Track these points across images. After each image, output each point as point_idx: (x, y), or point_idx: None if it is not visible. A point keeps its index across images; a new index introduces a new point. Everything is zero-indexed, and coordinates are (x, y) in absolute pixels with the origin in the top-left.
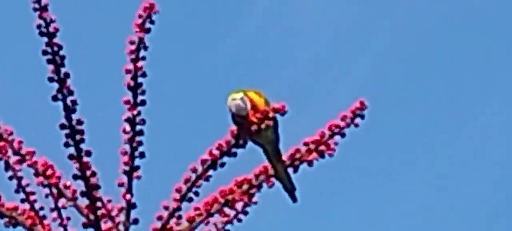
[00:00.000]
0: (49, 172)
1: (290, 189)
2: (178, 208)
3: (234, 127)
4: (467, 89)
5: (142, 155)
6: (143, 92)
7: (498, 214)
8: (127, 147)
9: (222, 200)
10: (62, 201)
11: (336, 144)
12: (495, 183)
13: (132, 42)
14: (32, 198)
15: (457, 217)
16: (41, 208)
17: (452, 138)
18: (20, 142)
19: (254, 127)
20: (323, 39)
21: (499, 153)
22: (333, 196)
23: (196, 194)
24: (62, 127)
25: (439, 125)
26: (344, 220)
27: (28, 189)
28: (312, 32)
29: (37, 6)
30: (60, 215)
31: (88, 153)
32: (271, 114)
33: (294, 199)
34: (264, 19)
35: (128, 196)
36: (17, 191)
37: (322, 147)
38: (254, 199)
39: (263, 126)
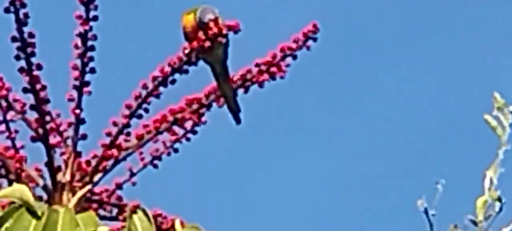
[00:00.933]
0: None
1: (235, 110)
2: (127, 125)
3: (186, 44)
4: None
5: (92, 70)
6: (95, 8)
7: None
8: (78, 62)
9: (171, 118)
10: (11, 114)
11: (287, 66)
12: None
13: None
14: None
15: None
16: None
17: None
18: None
19: (207, 43)
20: None
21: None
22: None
23: (146, 111)
24: (14, 39)
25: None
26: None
27: None
28: None
29: None
30: (8, 128)
31: (39, 67)
32: (224, 31)
33: (238, 121)
34: None
35: (77, 111)
36: None
37: (274, 69)
38: (203, 119)
39: (215, 42)
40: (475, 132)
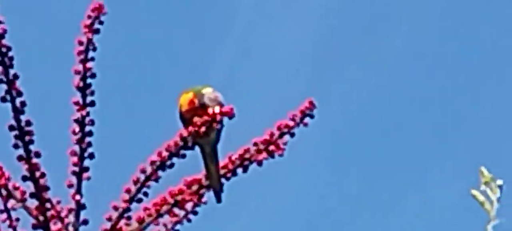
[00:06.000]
0: None
1: (217, 190)
2: (128, 209)
3: (183, 129)
4: None
5: (91, 155)
6: (92, 93)
7: None
8: (76, 148)
9: (171, 201)
10: (11, 202)
11: (285, 143)
12: None
13: (81, 43)
14: None
15: None
16: None
17: None
18: None
19: (202, 130)
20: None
21: None
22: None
23: (146, 194)
24: (11, 128)
25: None
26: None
27: None
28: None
29: None
30: (9, 216)
31: (37, 154)
32: (218, 118)
33: (219, 200)
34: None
35: (77, 197)
36: None
37: (272, 147)
38: (203, 199)
39: (210, 129)
40: (462, 207)
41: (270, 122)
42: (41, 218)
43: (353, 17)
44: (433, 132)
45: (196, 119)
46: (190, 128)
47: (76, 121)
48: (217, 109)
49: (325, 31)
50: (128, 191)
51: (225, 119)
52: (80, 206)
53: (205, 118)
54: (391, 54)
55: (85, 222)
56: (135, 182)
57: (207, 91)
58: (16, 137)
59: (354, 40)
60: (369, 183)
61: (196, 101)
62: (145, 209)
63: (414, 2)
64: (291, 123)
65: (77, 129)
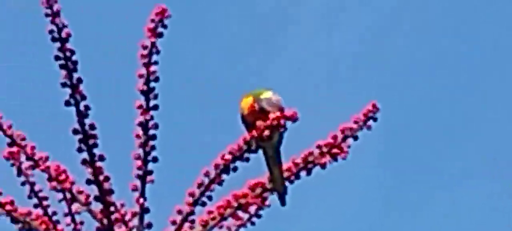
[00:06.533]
0: (62, 177)
1: (281, 193)
2: (192, 212)
3: (246, 132)
4: None
5: (155, 159)
6: (155, 97)
7: None
8: (140, 151)
9: (235, 204)
10: (75, 206)
11: (349, 146)
12: None
13: (144, 47)
14: (45, 203)
15: None
16: (55, 213)
17: None
18: (33, 147)
19: (265, 133)
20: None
21: None
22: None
23: (210, 198)
24: (75, 132)
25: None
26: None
27: (41, 194)
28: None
29: (49, 11)
30: (73, 220)
31: (101, 158)
32: (282, 121)
33: (283, 203)
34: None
35: (141, 200)
36: (30, 197)
37: (335, 150)
38: (267, 202)
39: (274, 133)
40: None
41: (330, 125)
42: (105, 221)
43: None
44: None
45: (259, 123)
46: (254, 132)
47: (140, 124)
48: (280, 113)
49: (379, 33)
50: (192, 194)
51: (288, 122)
52: (144, 210)
53: (268, 121)
54: (438, 58)
55: (149, 225)
56: (199, 185)
57: (267, 95)
58: (80, 140)
59: (407, 43)
60: (422, 186)
61: (256, 105)
62: (209, 212)
63: None
64: (355, 126)
65: (140, 133)
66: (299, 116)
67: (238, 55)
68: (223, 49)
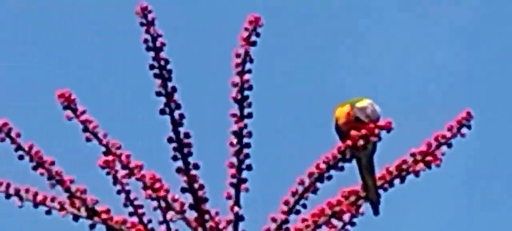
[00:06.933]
0: (157, 185)
1: (374, 202)
2: (286, 220)
3: (341, 142)
4: None
5: (249, 167)
6: (249, 105)
7: None
8: (234, 160)
9: (329, 212)
10: (170, 214)
11: (443, 154)
12: None
13: (238, 55)
14: (140, 211)
15: None
16: (150, 221)
17: None
18: (128, 156)
19: (360, 143)
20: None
21: None
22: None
23: (304, 206)
24: (170, 140)
25: None
26: None
27: (136, 203)
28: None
29: (143, 21)
30: (168, 228)
31: (196, 166)
32: (377, 131)
33: (376, 212)
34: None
35: (235, 208)
36: (125, 205)
37: (429, 158)
38: (361, 210)
39: (368, 143)
40: None
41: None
42: (200, 229)
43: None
44: None
45: (354, 132)
46: (348, 141)
47: (234, 132)
48: (375, 123)
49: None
50: (286, 202)
51: (383, 132)
52: (239, 218)
53: (363, 131)
54: None
55: None
56: (294, 194)
57: (364, 104)
58: (174, 149)
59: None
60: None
61: (352, 114)
62: (303, 220)
63: None
64: (448, 134)
65: (235, 141)
66: (393, 126)
67: (332, 62)
68: (315, 57)
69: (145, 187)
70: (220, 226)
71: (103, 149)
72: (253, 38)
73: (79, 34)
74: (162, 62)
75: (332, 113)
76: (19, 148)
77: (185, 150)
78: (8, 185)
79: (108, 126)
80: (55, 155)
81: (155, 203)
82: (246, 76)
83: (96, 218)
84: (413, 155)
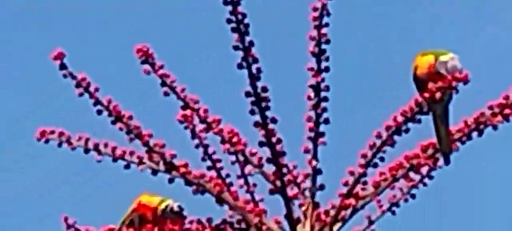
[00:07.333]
0: (235, 139)
1: (447, 152)
2: (364, 174)
3: (418, 94)
4: None
5: (326, 121)
6: (327, 59)
7: None
8: (312, 113)
9: (407, 165)
10: (248, 168)
11: None
12: None
13: (315, 9)
14: (218, 165)
15: None
16: (228, 175)
17: None
18: (206, 110)
19: (437, 95)
20: None
21: None
22: None
23: (381, 159)
24: (247, 94)
25: None
26: None
27: (214, 157)
28: None
29: None
30: (246, 182)
31: (274, 120)
32: (454, 84)
33: (447, 162)
34: None
35: (313, 162)
36: (203, 159)
37: (507, 110)
38: (439, 163)
39: (445, 96)
40: None
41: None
42: (278, 183)
43: None
44: None
45: (431, 85)
46: (426, 94)
47: (312, 86)
48: (453, 75)
49: None
50: (364, 156)
51: (460, 85)
52: (317, 171)
53: (440, 84)
54: None
55: (322, 187)
56: (371, 147)
57: (446, 58)
58: (252, 103)
59: None
60: None
61: (435, 67)
62: (381, 173)
63: None
64: None
65: (312, 95)
66: (470, 79)
67: (405, 14)
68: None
69: (223, 141)
70: (298, 180)
71: (181, 103)
72: None
73: None
74: (239, 16)
75: (412, 61)
76: (97, 102)
77: (263, 104)
78: (87, 140)
79: (185, 81)
80: (133, 110)
81: (233, 157)
82: (324, 30)
83: (174, 172)
84: (491, 107)
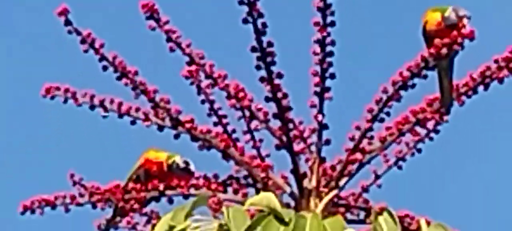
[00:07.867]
0: (241, 94)
1: (447, 104)
2: (370, 128)
3: (424, 50)
4: None
5: (332, 76)
6: (332, 13)
7: None
8: (317, 68)
9: (413, 119)
10: (254, 123)
11: None
12: None
13: None
14: (224, 121)
15: None
16: (234, 131)
17: None
18: (211, 66)
19: (443, 51)
20: None
21: None
22: None
23: (388, 114)
24: (253, 49)
25: None
26: None
27: (220, 112)
28: None
29: None
30: (253, 137)
31: (279, 75)
32: (460, 40)
33: (447, 112)
34: None
35: (319, 117)
36: (209, 115)
37: None
38: (445, 117)
39: (451, 51)
40: None
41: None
42: (284, 138)
43: None
44: None
45: (437, 41)
46: (432, 50)
47: (317, 41)
48: (458, 31)
49: None
50: (370, 110)
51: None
52: (323, 126)
53: (446, 40)
54: None
55: (328, 142)
56: (377, 102)
57: (448, 13)
58: (258, 58)
59: None
60: None
61: (443, 22)
62: (387, 128)
63: None
64: None
65: (318, 50)
66: (476, 35)
67: None
68: None
69: (229, 97)
70: (304, 135)
71: (187, 58)
72: None
73: None
74: None
75: (422, 15)
76: (103, 58)
77: (268, 59)
78: (92, 96)
79: (190, 35)
80: (138, 65)
81: (239, 113)
82: None
83: (180, 128)
84: (496, 61)
